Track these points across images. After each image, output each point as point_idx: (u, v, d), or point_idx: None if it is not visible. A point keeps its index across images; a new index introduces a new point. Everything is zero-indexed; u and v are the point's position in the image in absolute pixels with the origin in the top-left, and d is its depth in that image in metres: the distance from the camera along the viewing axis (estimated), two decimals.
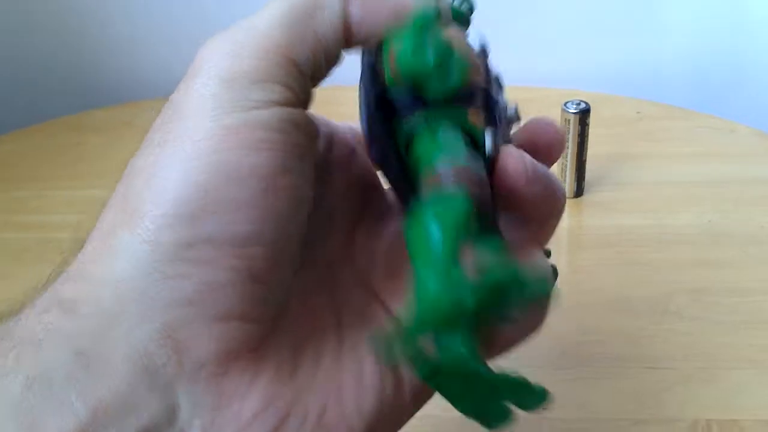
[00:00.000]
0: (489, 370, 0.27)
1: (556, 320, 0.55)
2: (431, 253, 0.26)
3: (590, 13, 0.87)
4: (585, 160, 0.66)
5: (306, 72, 0.28)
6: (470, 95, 0.30)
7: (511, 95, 0.75)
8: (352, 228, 0.33)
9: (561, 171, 0.66)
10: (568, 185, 0.66)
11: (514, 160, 0.29)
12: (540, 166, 0.30)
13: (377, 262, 0.33)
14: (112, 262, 0.26)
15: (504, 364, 0.50)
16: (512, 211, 0.30)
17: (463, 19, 0.33)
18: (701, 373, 0.51)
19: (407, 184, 0.30)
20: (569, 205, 0.67)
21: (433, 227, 0.26)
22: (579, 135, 0.64)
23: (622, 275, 0.59)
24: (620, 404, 0.50)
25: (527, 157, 0.29)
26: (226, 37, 0.28)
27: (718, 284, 0.58)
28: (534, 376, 0.50)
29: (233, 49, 0.28)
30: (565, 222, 0.65)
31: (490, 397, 0.28)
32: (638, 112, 0.80)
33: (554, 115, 0.65)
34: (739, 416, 0.48)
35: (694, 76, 0.88)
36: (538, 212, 0.31)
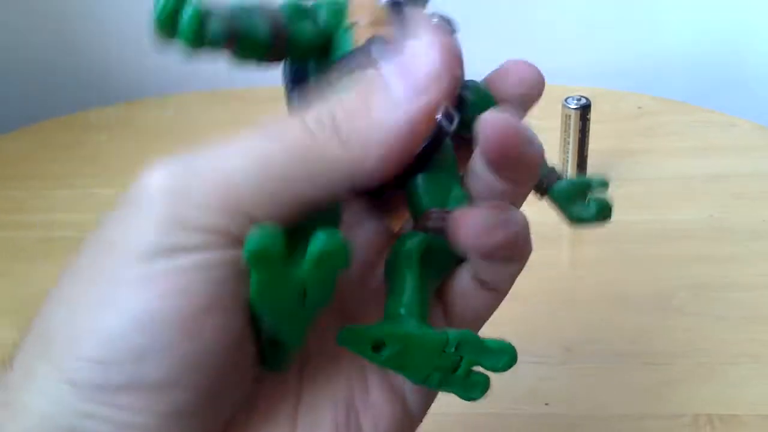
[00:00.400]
0: (438, 332, 0.27)
1: (561, 317, 0.55)
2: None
3: (590, 8, 0.86)
4: (586, 156, 0.66)
5: (266, 219, 0.25)
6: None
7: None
8: None
9: (562, 167, 0.66)
10: None
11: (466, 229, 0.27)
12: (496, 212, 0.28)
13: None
14: (35, 396, 0.25)
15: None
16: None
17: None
18: (703, 368, 0.51)
19: None
20: None
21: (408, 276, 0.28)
22: (580, 131, 0.64)
23: (624, 271, 0.60)
24: (623, 400, 0.50)
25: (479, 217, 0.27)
26: (180, 170, 0.25)
27: (720, 280, 0.58)
28: (540, 375, 0.51)
29: (184, 189, 0.24)
30: None
31: (452, 363, 0.28)
32: (639, 107, 0.80)
33: (555, 111, 0.65)
34: (740, 411, 0.49)
35: (694, 71, 0.88)
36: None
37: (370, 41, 0.28)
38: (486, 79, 0.32)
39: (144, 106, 0.86)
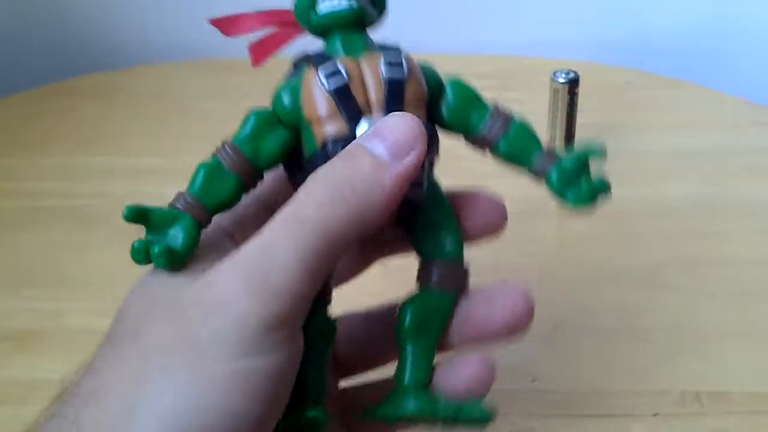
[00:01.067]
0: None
1: (548, 293, 0.55)
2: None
3: None
4: (574, 131, 0.65)
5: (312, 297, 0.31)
6: None
7: (499, 65, 0.75)
8: None
9: (551, 141, 0.66)
10: None
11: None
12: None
13: None
14: None
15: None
16: None
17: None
18: (691, 344, 0.52)
19: None
20: None
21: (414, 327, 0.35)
22: (568, 105, 0.64)
23: (612, 247, 0.60)
24: (610, 376, 0.50)
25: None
26: (245, 273, 0.29)
27: (709, 255, 0.58)
28: (527, 351, 0.51)
29: (253, 290, 0.29)
30: None
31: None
32: (627, 82, 0.79)
33: (542, 84, 0.65)
34: (728, 388, 0.49)
35: (682, 46, 0.87)
36: None
37: (324, 145, 0.33)
38: (450, 199, 0.36)
39: (133, 74, 0.85)
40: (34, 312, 0.56)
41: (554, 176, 0.36)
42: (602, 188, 0.37)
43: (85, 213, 0.65)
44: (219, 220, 0.34)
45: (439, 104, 0.36)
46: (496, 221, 0.37)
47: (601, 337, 0.52)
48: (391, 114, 0.32)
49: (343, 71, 0.33)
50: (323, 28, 0.35)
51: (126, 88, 0.83)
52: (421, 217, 0.35)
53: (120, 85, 0.83)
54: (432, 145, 0.34)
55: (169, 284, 0.31)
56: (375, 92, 0.33)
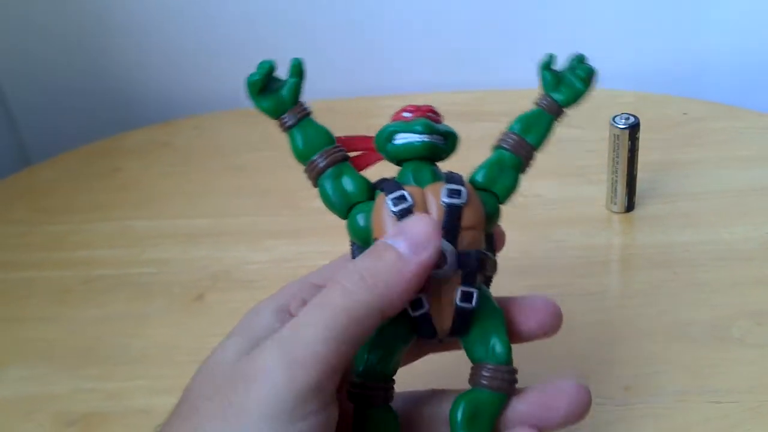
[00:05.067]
0: None
1: (618, 349, 0.54)
2: None
3: (633, 11, 0.84)
4: (635, 175, 0.64)
5: (343, 369, 0.35)
6: None
7: None
8: None
9: (611, 186, 0.64)
10: (619, 200, 0.65)
11: None
12: None
13: None
14: None
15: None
16: None
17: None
18: None
19: None
20: (621, 221, 0.65)
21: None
22: (629, 150, 0.62)
23: (680, 298, 0.58)
24: None
25: None
26: (285, 348, 0.34)
27: None
28: (598, 415, 0.49)
29: (285, 362, 0.33)
30: (618, 239, 0.64)
31: None
32: (685, 114, 0.77)
33: (602, 117, 0.63)
34: None
35: (741, 72, 0.85)
36: None
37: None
38: (504, 304, 0.41)
39: (175, 128, 0.85)
40: (97, 393, 0.56)
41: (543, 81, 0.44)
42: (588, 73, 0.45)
43: (141, 282, 0.64)
44: None
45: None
46: (552, 323, 0.42)
47: (675, 399, 0.51)
48: (411, 216, 0.37)
49: (408, 197, 0.38)
50: (398, 158, 0.41)
51: (170, 143, 0.82)
52: (473, 325, 0.40)
53: (164, 141, 0.83)
54: (486, 265, 0.40)
55: (227, 361, 0.36)
56: (436, 215, 0.38)
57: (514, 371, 0.40)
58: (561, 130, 0.76)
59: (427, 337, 0.39)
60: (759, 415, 0.49)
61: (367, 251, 0.37)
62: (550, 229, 0.65)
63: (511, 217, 0.66)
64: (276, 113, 0.40)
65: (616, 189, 0.64)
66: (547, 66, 0.44)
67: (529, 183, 0.69)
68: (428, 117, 0.42)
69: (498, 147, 0.43)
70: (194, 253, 0.67)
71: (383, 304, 0.35)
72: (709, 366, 0.53)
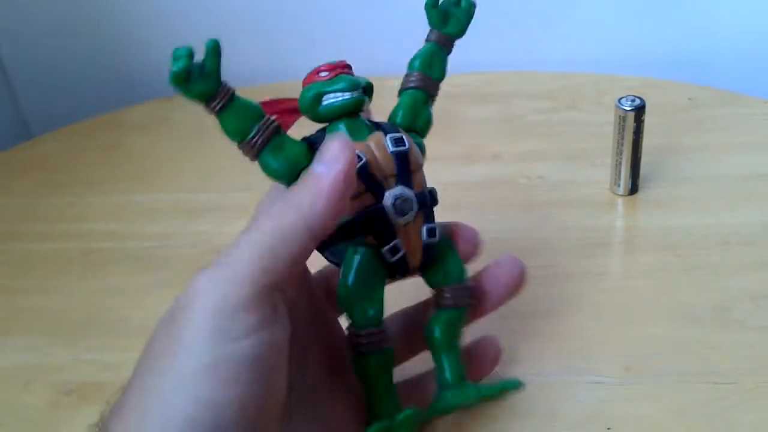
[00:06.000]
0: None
1: (619, 330, 0.54)
2: None
3: None
4: (640, 157, 0.64)
5: (283, 287, 0.36)
6: None
7: (560, 83, 0.74)
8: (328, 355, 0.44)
9: (615, 168, 0.64)
10: (623, 183, 0.65)
11: None
12: None
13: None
14: None
15: (573, 376, 0.49)
16: None
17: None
18: None
19: None
20: (624, 203, 0.65)
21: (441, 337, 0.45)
22: (634, 132, 0.62)
23: (682, 280, 0.58)
24: (687, 423, 0.48)
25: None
26: (216, 271, 0.35)
27: None
28: (597, 394, 0.49)
29: (222, 282, 0.34)
30: (621, 222, 0.64)
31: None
32: (690, 99, 0.77)
33: (606, 102, 0.63)
34: None
35: (747, 59, 0.85)
36: None
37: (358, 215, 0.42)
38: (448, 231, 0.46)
39: (180, 103, 0.84)
40: (96, 364, 0.56)
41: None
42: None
43: (141, 255, 0.65)
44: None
45: None
46: (515, 283, 0.47)
47: (675, 380, 0.51)
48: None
49: (362, 156, 0.41)
50: (328, 118, 0.42)
51: (172, 119, 0.82)
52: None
53: (166, 116, 0.83)
54: (436, 198, 0.44)
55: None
56: (386, 167, 0.42)
57: (470, 287, 0.45)
58: (566, 113, 0.77)
59: (402, 276, 0.44)
60: (758, 396, 0.49)
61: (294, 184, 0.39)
62: (554, 211, 0.65)
63: (515, 198, 0.67)
64: (206, 98, 0.40)
65: (620, 171, 0.64)
66: (433, 4, 0.45)
67: (533, 165, 0.70)
68: (346, 73, 0.43)
69: (406, 89, 0.45)
70: (195, 228, 0.67)
71: (309, 222, 0.37)
72: (709, 348, 0.53)
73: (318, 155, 0.38)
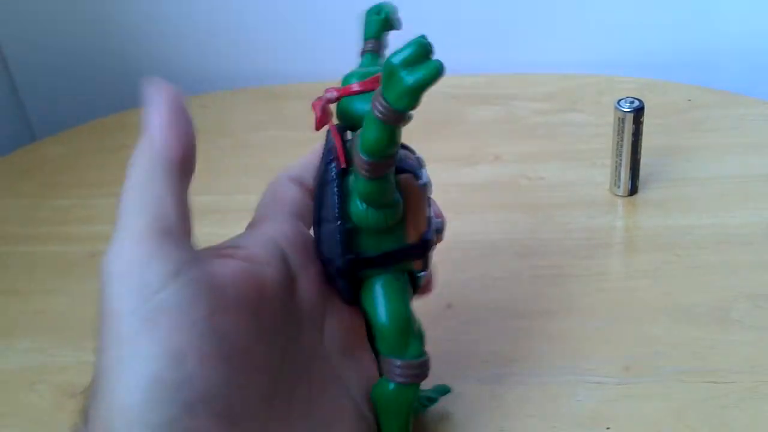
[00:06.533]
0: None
1: (619, 329, 0.54)
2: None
3: None
4: (639, 159, 0.64)
5: (179, 229, 0.36)
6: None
7: (560, 84, 0.74)
8: (321, 323, 0.42)
9: (615, 170, 0.65)
10: (623, 184, 0.65)
11: None
12: None
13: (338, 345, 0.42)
14: None
15: (573, 376, 0.49)
16: None
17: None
18: (767, 387, 0.50)
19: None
20: (624, 204, 0.65)
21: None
22: (633, 134, 0.62)
23: (681, 280, 0.58)
24: (686, 422, 0.48)
25: None
26: (116, 237, 0.36)
27: None
28: (597, 394, 0.50)
29: (125, 240, 0.35)
30: (621, 222, 0.64)
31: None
32: (689, 100, 0.78)
33: (607, 103, 0.64)
34: None
35: (747, 59, 0.85)
36: None
37: None
38: None
39: (189, 104, 0.85)
40: None
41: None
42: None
43: None
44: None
45: None
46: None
47: (674, 378, 0.51)
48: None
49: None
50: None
51: None
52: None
53: None
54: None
55: None
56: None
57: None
58: (566, 115, 0.77)
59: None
60: (756, 395, 0.49)
61: None
62: (554, 212, 0.65)
63: (516, 199, 0.67)
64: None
65: (619, 173, 0.65)
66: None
67: (533, 166, 0.70)
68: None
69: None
70: (200, 230, 0.66)
71: (161, 152, 0.37)
72: (708, 347, 0.53)
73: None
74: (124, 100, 0.87)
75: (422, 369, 0.42)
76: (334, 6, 0.85)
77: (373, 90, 0.38)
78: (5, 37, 0.90)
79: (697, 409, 0.49)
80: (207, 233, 0.66)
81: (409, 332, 0.41)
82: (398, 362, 0.41)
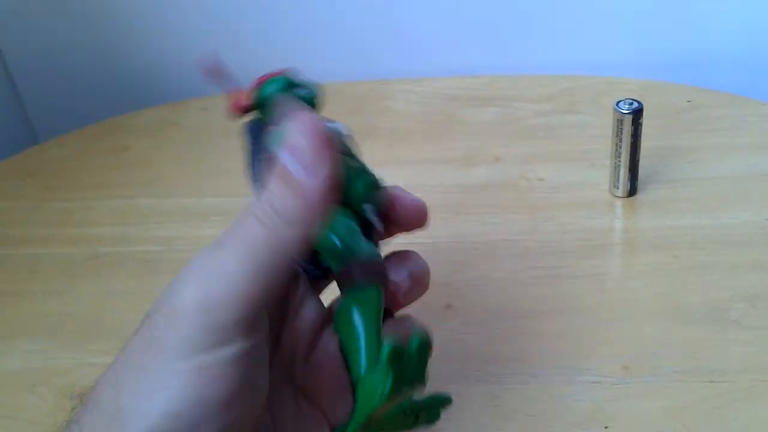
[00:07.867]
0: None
1: (617, 329, 0.55)
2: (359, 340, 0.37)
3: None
4: (638, 160, 0.64)
5: (265, 303, 0.34)
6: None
7: (560, 86, 0.74)
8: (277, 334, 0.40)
9: (614, 170, 0.65)
10: (622, 185, 0.65)
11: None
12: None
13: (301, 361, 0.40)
14: None
15: (572, 376, 0.50)
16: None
17: (311, 104, 0.43)
18: (764, 387, 0.50)
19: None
20: (623, 205, 0.66)
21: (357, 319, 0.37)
22: (632, 135, 0.63)
23: (679, 281, 0.58)
24: (684, 422, 0.49)
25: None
26: (201, 285, 0.33)
27: None
28: (595, 393, 0.50)
29: (209, 299, 0.32)
30: (620, 223, 0.64)
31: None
32: (688, 101, 0.78)
33: (606, 104, 0.64)
34: None
35: (745, 61, 0.85)
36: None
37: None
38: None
39: (185, 108, 0.85)
40: (101, 368, 0.55)
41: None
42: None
43: (147, 259, 0.65)
44: None
45: None
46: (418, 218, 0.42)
47: (672, 379, 0.51)
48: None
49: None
50: None
51: (178, 123, 0.83)
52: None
53: (172, 120, 0.84)
54: None
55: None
56: None
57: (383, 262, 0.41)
58: (566, 116, 0.77)
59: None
60: (753, 395, 0.50)
61: (272, 177, 0.34)
62: (554, 213, 0.66)
63: (515, 200, 0.67)
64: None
65: (618, 174, 0.65)
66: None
67: (533, 167, 0.71)
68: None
69: None
70: (202, 232, 0.68)
71: (303, 237, 0.33)
72: (706, 347, 0.53)
73: (289, 145, 0.34)
74: (126, 103, 0.88)
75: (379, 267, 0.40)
76: (334, 7, 0.86)
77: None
78: (7, 41, 0.91)
79: (695, 409, 0.49)
80: (210, 235, 0.67)
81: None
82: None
